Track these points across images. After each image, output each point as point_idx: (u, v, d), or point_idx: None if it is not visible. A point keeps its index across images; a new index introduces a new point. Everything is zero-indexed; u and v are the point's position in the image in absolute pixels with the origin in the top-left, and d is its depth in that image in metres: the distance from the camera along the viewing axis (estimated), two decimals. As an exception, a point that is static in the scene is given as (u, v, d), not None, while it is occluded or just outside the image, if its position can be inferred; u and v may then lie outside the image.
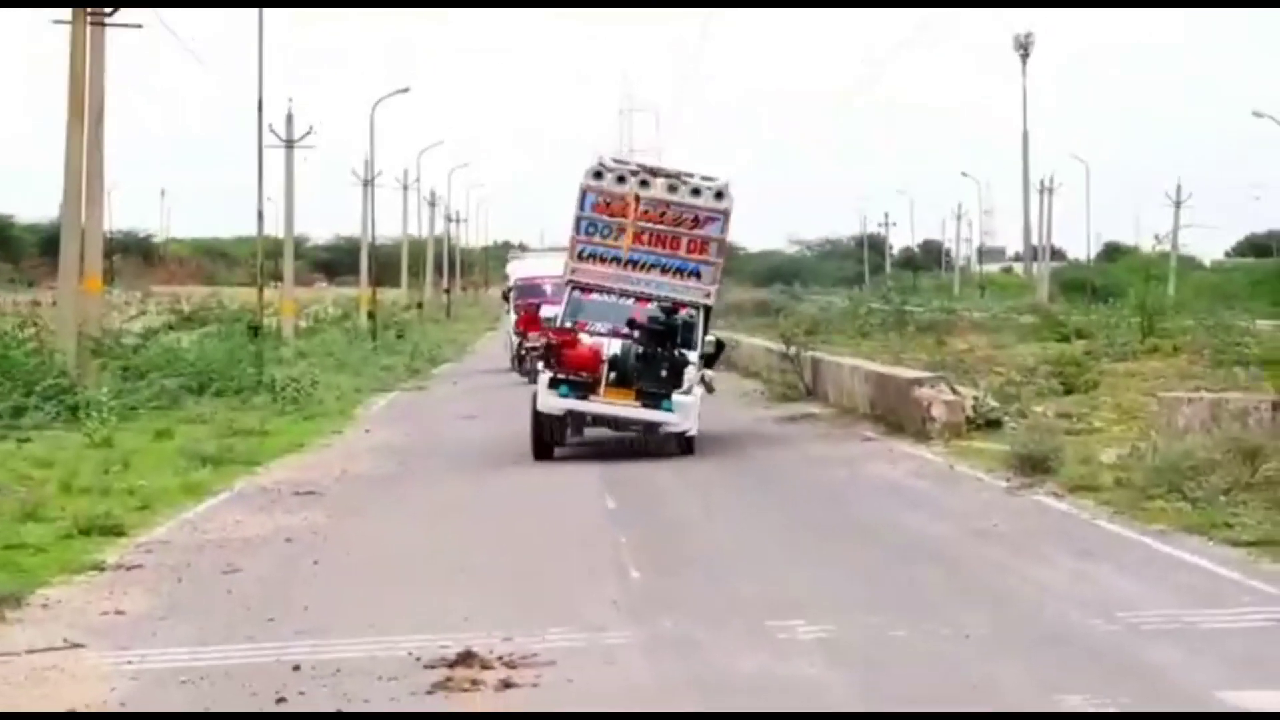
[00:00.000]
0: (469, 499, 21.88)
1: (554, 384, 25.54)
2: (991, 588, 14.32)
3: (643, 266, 26.95)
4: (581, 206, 27.16)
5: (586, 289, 27.17)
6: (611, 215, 27.04)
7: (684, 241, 26.99)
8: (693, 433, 25.75)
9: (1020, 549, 16.33)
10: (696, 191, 27.10)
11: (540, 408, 25.70)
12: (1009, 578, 14.80)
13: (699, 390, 26.09)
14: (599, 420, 26.04)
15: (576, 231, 27.24)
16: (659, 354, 25.61)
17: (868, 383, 31.34)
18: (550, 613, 13.33)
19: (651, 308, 26.53)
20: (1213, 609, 13.13)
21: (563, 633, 12.52)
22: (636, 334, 25.93)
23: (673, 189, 27.07)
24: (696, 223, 27.03)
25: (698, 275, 27.03)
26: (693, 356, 26.00)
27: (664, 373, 25.49)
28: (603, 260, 27.03)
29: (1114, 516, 18.12)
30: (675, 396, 25.46)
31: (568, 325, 26.63)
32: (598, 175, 27.18)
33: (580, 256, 27.22)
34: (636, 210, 26.98)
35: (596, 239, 27.06)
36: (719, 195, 27.20)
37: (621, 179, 27.16)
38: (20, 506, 18.96)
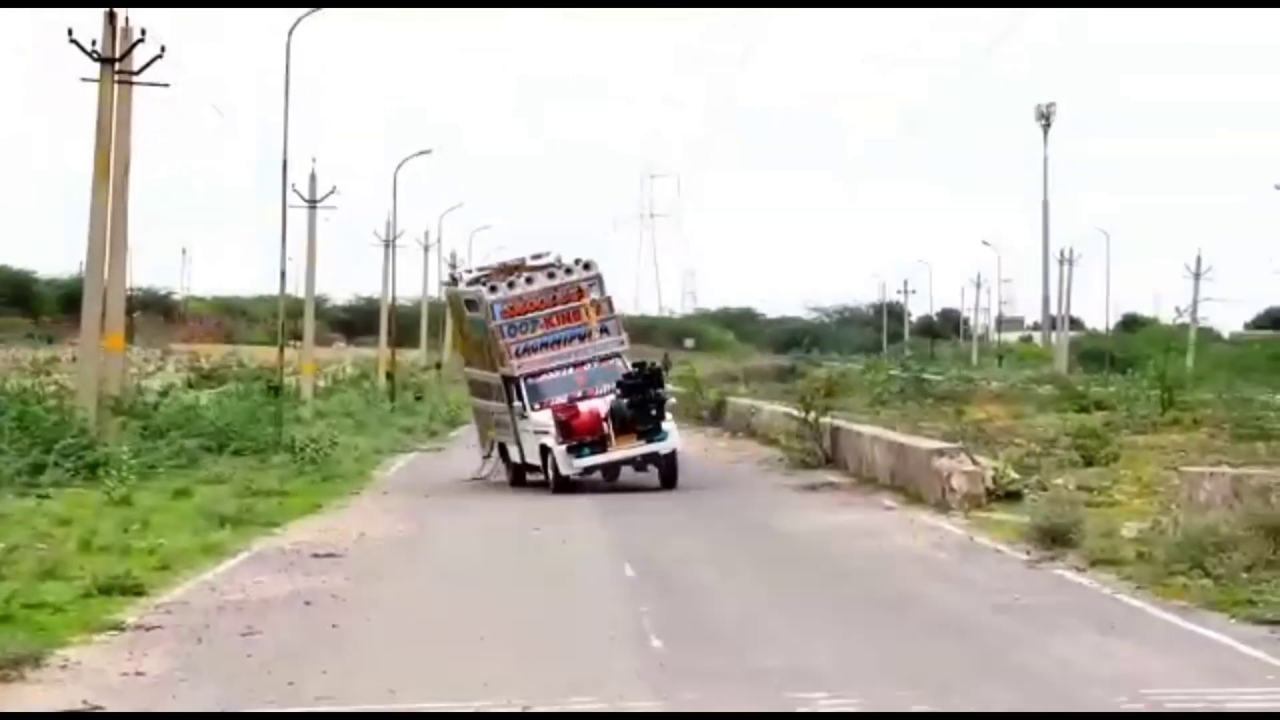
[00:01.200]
0: (488, 563, 21.86)
1: (572, 450, 30.36)
2: (1014, 663, 14.25)
3: (565, 342, 31.73)
4: (493, 316, 31.57)
5: (536, 375, 31.43)
6: (517, 314, 31.61)
7: (581, 311, 31.83)
8: (680, 448, 31.67)
9: (1042, 624, 16.24)
10: (568, 270, 32.16)
11: (564, 472, 30.44)
12: (1031, 653, 14.72)
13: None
14: (614, 464, 30.83)
15: (502, 336, 31.54)
16: (644, 399, 30.73)
17: (888, 452, 31.32)
18: (571, 681, 13.28)
19: (619, 365, 31.65)
20: (1236, 688, 13.06)
21: (584, 702, 12.46)
22: (620, 390, 30.68)
23: (551, 275, 32.02)
24: (581, 293, 31.93)
25: (607, 331, 32.12)
26: (663, 393, 31.44)
27: (653, 411, 30.83)
28: (533, 350, 31.54)
29: (1136, 592, 18.03)
30: (663, 425, 30.90)
31: (535, 408, 30.94)
32: (494, 289, 31.76)
33: (516, 354, 31.46)
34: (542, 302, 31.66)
35: (520, 336, 31.55)
36: (586, 266, 32.33)
37: (511, 284, 31.81)
38: (40, 565, 18.94)
